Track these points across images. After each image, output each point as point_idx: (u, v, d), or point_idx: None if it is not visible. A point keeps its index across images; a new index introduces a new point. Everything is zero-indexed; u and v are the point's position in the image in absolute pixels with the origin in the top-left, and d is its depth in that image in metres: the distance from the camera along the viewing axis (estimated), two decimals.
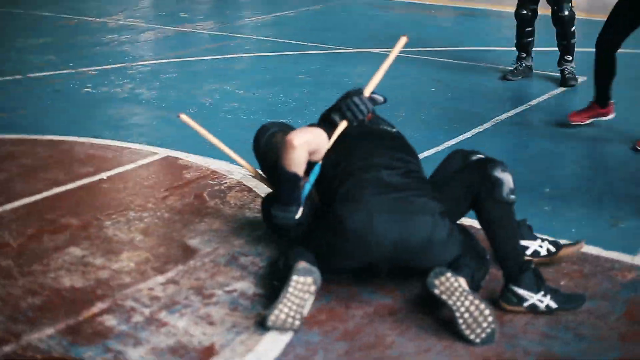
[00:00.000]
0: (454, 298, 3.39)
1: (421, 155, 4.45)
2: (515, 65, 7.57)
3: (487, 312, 3.36)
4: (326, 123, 3.97)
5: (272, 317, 3.37)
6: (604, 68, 5.93)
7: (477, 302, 3.37)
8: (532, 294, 3.55)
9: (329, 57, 8.66)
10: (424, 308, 3.62)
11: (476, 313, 3.36)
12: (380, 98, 4.05)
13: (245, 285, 3.82)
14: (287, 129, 4.11)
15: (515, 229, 3.65)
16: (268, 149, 4.08)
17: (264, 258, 4.08)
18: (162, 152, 5.65)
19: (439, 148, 5.65)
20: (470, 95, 7.12)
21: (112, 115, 6.67)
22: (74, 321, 3.53)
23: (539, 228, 4.21)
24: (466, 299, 3.38)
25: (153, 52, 9.26)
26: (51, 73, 8.09)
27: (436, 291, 3.42)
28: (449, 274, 3.43)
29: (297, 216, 3.79)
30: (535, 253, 3.95)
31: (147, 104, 6.95)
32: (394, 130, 4.12)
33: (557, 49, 7.33)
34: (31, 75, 8.04)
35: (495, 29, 10.33)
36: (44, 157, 5.59)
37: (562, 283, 3.84)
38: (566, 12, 7.12)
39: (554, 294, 3.57)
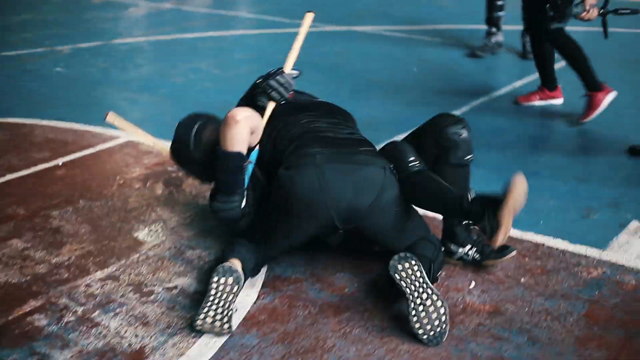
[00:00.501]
0: (412, 288, 3.22)
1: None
2: (484, 41, 7.40)
3: (442, 310, 3.19)
4: (251, 107, 3.74)
5: (198, 322, 3.20)
6: (538, 54, 5.95)
7: (434, 297, 3.20)
8: (460, 248, 3.70)
9: (314, 35, 8.43)
10: (372, 307, 3.42)
11: (431, 309, 3.19)
12: (295, 72, 3.84)
13: (187, 282, 3.63)
14: (213, 120, 3.88)
15: (466, 188, 3.53)
16: (200, 140, 3.83)
17: (212, 252, 3.90)
18: (124, 136, 5.45)
19: None
20: (451, 76, 6.90)
21: (79, 97, 6.48)
22: (2, 321, 3.35)
23: None
24: (424, 291, 3.21)
25: (135, 29, 9.06)
26: (24, 52, 7.90)
27: (396, 276, 3.25)
28: (413, 262, 3.26)
29: (242, 205, 3.57)
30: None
31: (117, 85, 6.76)
32: (321, 100, 4.04)
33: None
34: (4, 53, 7.85)
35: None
36: (2, 141, 5.40)
37: (522, 280, 3.64)
38: None
39: (481, 246, 3.69)
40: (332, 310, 3.42)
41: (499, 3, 7.33)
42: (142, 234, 4.08)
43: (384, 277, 3.48)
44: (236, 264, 3.40)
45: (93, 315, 3.39)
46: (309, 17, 4.00)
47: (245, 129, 3.49)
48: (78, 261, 3.81)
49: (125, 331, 3.27)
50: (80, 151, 5.21)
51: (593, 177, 4.83)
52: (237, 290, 3.28)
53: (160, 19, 9.54)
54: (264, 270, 3.70)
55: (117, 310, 3.42)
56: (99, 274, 3.70)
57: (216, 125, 3.68)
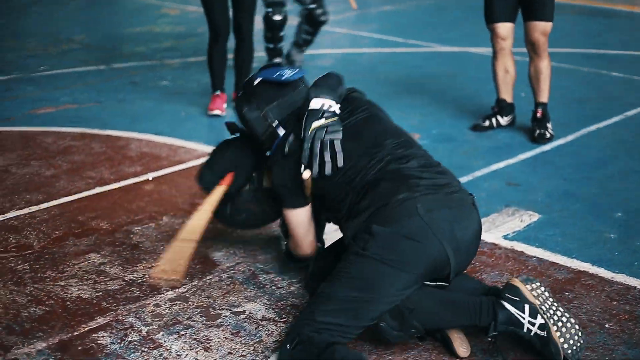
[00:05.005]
0: (545, 307, 3.10)
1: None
2: None
3: (577, 326, 3.10)
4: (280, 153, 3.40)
5: None
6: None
7: (567, 314, 3.11)
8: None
9: (424, 55, 8.32)
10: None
11: (568, 325, 3.07)
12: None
13: (256, 307, 3.57)
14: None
15: None
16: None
17: (285, 277, 3.82)
18: None
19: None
20: (565, 102, 6.63)
21: (180, 111, 6.51)
22: (67, 336, 3.35)
23: (598, 257, 3.94)
24: (557, 309, 3.10)
25: None
26: (134, 64, 8.02)
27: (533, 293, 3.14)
28: (538, 283, 3.16)
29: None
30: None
31: None
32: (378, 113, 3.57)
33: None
34: (115, 65, 7.99)
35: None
36: (97, 153, 5.46)
37: (606, 325, 3.43)
38: (278, 17, 7.17)
39: None
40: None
41: None
42: (218, 254, 4.04)
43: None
44: None
45: (157, 336, 3.35)
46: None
47: None
48: (151, 279, 3.78)
49: (186, 355, 3.22)
50: (172, 167, 5.22)
51: None
52: None
53: None
54: None
55: (182, 332, 3.38)
56: (170, 294, 3.67)
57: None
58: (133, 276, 3.82)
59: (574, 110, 6.48)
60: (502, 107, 5.97)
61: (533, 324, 3.08)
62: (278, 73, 3.52)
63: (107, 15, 10.93)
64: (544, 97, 5.79)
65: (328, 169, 3.24)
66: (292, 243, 3.57)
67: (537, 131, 5.72)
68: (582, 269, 3.87)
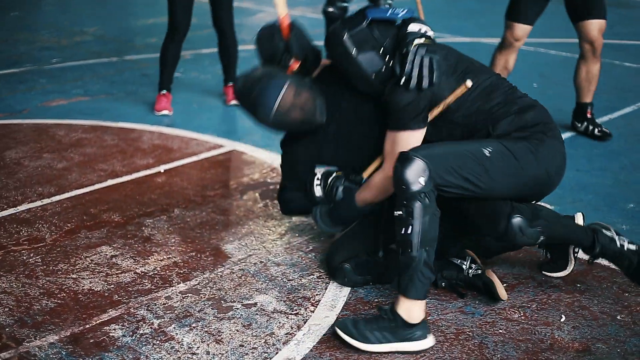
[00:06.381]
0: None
1: None
2: None
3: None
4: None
5: None
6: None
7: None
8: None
9: None
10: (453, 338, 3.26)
11: None
12: None
13: (267, 300, 3.56)
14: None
15: None
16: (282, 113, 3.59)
17: (296, 269, 3.81)
18: (229, 145, 5.46)
19: None
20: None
21: (192, 103, 6.52)
22: (79, 329, 3.35)
23: None
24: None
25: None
26: (146, 56, 8.03)
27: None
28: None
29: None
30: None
31: None
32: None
33: None
34: (127, 57, 7.99)
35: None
36: (109, 146, 5.47)
37: (618, 317, 3.42)
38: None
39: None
40: None
41: None
42: (230, 246, 4.04)
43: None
44: None
45: (169, 328, 3.35)
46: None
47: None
48: (163, 272, 3.79)
49: (198, 347, 3.22)
50: (184, 159, 5.22)
51: None
52: None
53: None
54: (346, 291, 3.60)
55: (193, 325, 3.38)
56: (182, 286, 3.67)
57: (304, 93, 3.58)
58: (145, 269, 3.82)
59: None
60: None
61: (624, 241, 3.48)
62: (391, 12, 3.51)
63: (120, 7, 10.96)
64: (591, 97, 5.75)
65: (425, 83, 3.31)
66: (388, 169, 3.42)
67: (596, 129, 5.69)
68: (595, 261, 3.84)
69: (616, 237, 3.47)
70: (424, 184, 3.11)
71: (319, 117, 3.61)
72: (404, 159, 3.14)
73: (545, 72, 7.46)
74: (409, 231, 3.09)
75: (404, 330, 3.14)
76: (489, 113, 3.41)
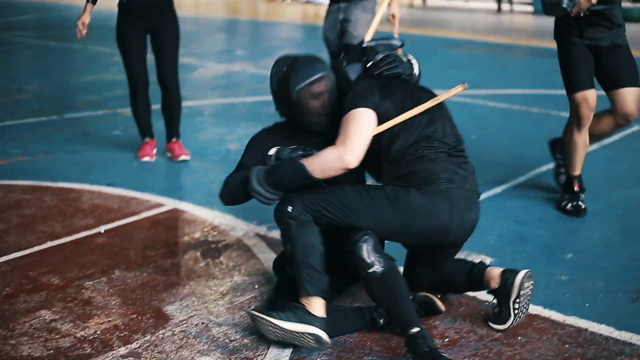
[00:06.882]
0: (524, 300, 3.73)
1: None
2: None
3: None
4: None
5: None
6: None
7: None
8: None
9: None
10: None
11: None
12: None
13: None
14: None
15: None
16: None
17: (238, 330, 3.79)
18: (170, 204, 5.43)
19: None
20: (516, 144, 6.71)
21: (132, 161, 6.50)
22: None
23: (550, 300, 3.98)
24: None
25: (199, 92, 9.11)
26: (87, 114, 7.99)
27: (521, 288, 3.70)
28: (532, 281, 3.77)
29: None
30: None
31: None
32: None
33: None
34: (67, 115, 7.95)
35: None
36: (48, 206, 5.42)
37: None
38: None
39: None
40: None
41: None
42: (171, 308, 4.01)
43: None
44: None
45: None
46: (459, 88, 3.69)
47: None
48: (103, 335, 3.75)
49: None
50: (124, 219, 5.19)
51: None
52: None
53: (230, 81, 9.59)
54: (288, 351, 3.59)
55: None
56: (122, 350, 3.63)
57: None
58: (84, 332, 3.78)
59: (525, 152, 6.56)
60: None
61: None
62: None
63: (59, 64, 10.91)
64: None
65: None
66: (342, 145, 3.51)
67: (575, 204, 5.25)
68: (534, 313, 3.90)
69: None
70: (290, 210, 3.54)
71: (325, 121, 3.80)
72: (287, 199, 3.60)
73: (484, 124, 7.56)
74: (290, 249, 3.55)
75: (306, 315, 3.44)
76: (396, 153, 3.63)
